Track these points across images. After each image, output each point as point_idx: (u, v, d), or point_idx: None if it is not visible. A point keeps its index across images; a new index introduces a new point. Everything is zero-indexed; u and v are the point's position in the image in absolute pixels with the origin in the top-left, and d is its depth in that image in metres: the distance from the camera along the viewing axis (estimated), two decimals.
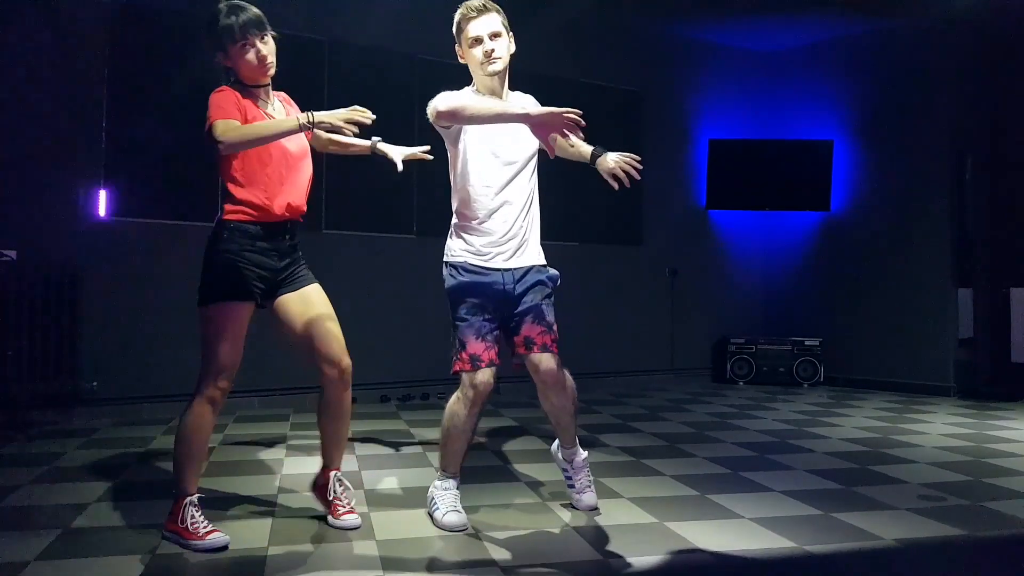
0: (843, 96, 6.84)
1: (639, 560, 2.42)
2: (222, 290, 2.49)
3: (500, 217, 2.70)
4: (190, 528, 2.45)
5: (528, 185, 2.78)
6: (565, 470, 2.98)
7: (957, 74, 6.21)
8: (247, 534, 2.61)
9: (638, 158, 2.87)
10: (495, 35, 2.67)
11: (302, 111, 2.58)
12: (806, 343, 6.70)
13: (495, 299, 2.70)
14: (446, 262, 2.76)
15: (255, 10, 2.57)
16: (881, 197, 6.57)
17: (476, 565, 2.36)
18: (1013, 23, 6.07)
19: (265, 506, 2.94)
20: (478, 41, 2.66)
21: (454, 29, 2.73)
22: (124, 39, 4.85)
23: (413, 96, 5.59)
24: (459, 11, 2.70)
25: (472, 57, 2.70)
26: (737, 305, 7.19)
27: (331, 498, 2.71)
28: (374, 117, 2.42)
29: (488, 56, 2.66)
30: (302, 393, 5.05)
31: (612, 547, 2.53)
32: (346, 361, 2.66)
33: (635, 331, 6.66)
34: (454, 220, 2.78)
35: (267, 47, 2.58)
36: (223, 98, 2.46)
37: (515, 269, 2.73)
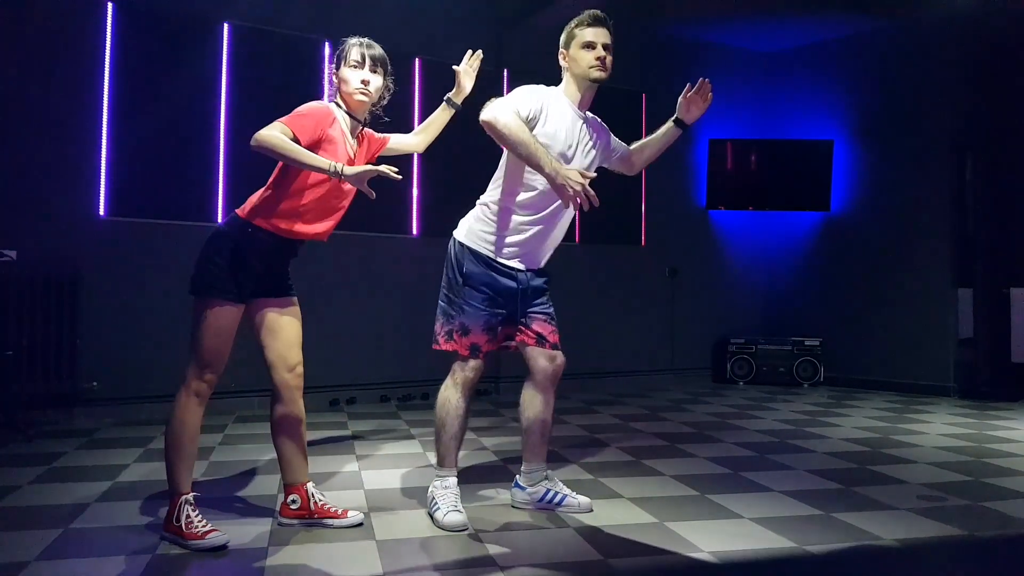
0: (843, 96, 6.85)
1: (639, 560, 2.42)
2: (216, 286, 2.50)
3: (538, 216, 2.75)
4: (187, 528, 2.45)
5: (571, 211, 2.78)
6: (546, 495, 2.91)
7: (957, 74, 6.21)
8: (247, 534, 2.61)
9: (703, 82, 3.06)
10: (607, 48, 2.77)
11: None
12: (806, 343, 6.70)
13: (511, 296, 2.77)
14: (463, 243, 2.78)
15: (381, 49, 2.66)
16: (881, 197, 6.57)
17: (476, 565, 2.36)
18: (1013, 23, 6.07)
19: (265, 506, 2.94)
20: (591, 47, 2.75)
21: (566, 33, 2.81)
22: (124, 39, 4.86)
23: (413, 96, 5.60)
24: (577, 18, 2.79)
25: (580, 59, 2.76)
26: (737, 305, 7.19)
27: (320, 507, 2.70)
28: (400, 177, 2.46)
29: (600, 62, 2.74)
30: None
31: (612, 547, 2.53)
32: (301, 368, 2.70)
33: (635, 331, 6.66)
34: (487, 205, 2.79)
35: (375, 79, 2.62)
36: (307, 110, 2.50)
37: (529, 271, 2.82)
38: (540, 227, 2.77)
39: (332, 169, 2.38)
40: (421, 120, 5.58)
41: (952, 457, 3.92)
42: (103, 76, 4.79)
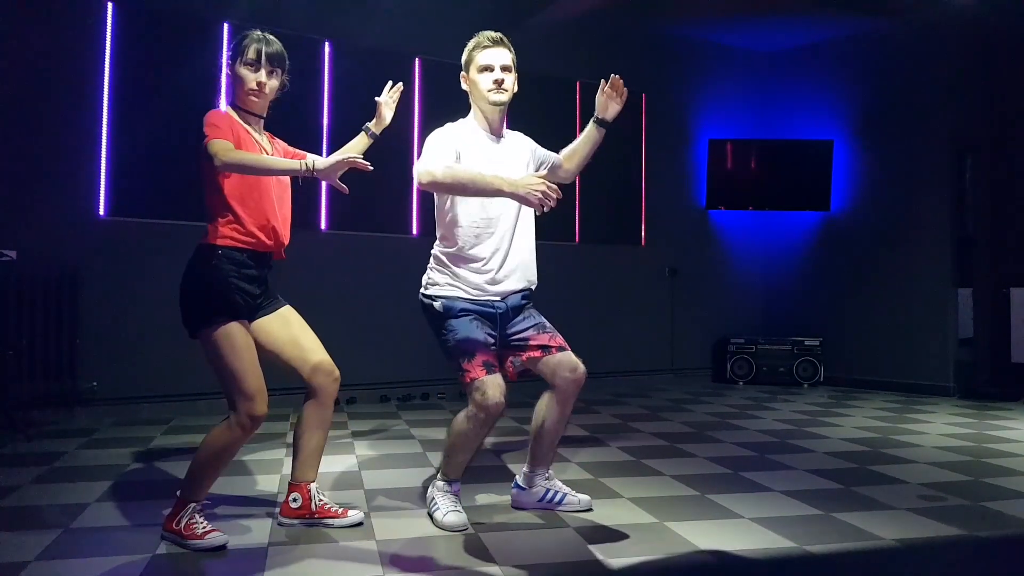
0: (843, 96, 6.85)
1: (639, 560, 2.42)
2: (210, 313, 2.46)
3: (490, 249, 2.73)
4: (187, 529, 2.45)
5: (517, 215, 2.77)
6: (546, 494, 2.90)
7: (957, 74, 6.21)
8: (247, 534, 2.61)
9: (615, 79, 2.84)
10: (505, 68, 2.74)
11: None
12: (806, 343, 6.70)
13: (491, 318, 2.75)
14: (431, 295, 2.74)
15: (280, 47, 2.60)
16: (881, 197, 6.57)
17: (476, 565, 2.36)
18: (1012, 23, 6.07)
19: (265, 506, 2.94)
20: (488, 69, 2.72)
21: (464, 56, 2.79)
22: (124, 39, 4.86)
23: (413, 96, 5.60)
24: (474, 39, 2.77)
25: (479, 84, 2.74)
26: (737, 305, 7.19)
27: (321, 507, 2.69)
28: (372, 168, 2.43)
29: (497, 85, 2.71)
30: (302, 392, 5.04)
31: (612, 547, 2.53)
32: (337, 371, 2.69)
33: (635, 331, 6.66)
34: (438, 256, 2.78)
35: (270, 81, 2.59)
36: (216, 117, 2.49)
37: (503, 293, 2.77)
38: (494, 259, 2.73)
39: (303, 167, 2.37)
40: (422, 121, 5.64)
41: (952, 457, 3.92)
42: (103, 76, 4.80)
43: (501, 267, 2.75)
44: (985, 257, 6.28)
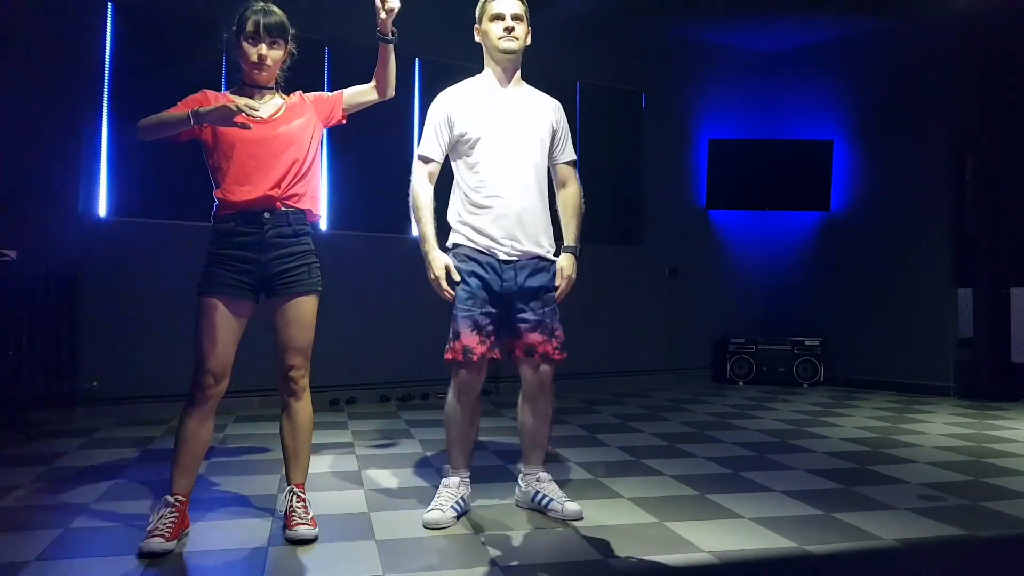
0: (843, 96, 6.85)
1: (639, 560, 2.42)
2: (203, 285, 2.56)
3: (498, 195, 2.76)
4: (149, 525, 2.45)
5: (530, 167, 2.81)
6: (535, 496, 2.87)
7: (957, 74, 6.21)
8: (247, 534, 2.61)
9: None
10: (517, 18, 2.77)
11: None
12: (806, 343, 6.70)
13: (495, 295, 2.74)
14: (448, 247, 2.85)
15: (280, 16, 2.60)
16: (881, 197, 6.57)
17: (476, 565, 2.35)
18: (1012, 23, 6.07)
19: (265, 506, 2.94)
20: (500, 18, 2.75)
21: (478, 10, 2.82)
22: (124, 39, 4.86)
23: (413, 96, 5.60)
24: None
25: (490, 32, 2.77)
26: (737, 305, 7.19)
27: (288, 512, 2.61)
28: (256, 111, 2.44)
29: (508, 32, 2.74)
30: None
31: (612, 547, 2.53)
32: (296, 372, 2.64)
33: (635, 331, 6.66)
34: (454, 208, 2.87)
35: (272, 52, 2.60)
36: (190, 97, 2.54)
37: (515, 262, 2.76)
38: (495, 204, 2.76)
39: (187, 116, 2.41)
40: (421, 120, 5.62)
41: (952, 457, 3.92)
42: (103, 76, 4.80)
43: (500, 213, 2.80)
44: (985, 257, 6.28)
